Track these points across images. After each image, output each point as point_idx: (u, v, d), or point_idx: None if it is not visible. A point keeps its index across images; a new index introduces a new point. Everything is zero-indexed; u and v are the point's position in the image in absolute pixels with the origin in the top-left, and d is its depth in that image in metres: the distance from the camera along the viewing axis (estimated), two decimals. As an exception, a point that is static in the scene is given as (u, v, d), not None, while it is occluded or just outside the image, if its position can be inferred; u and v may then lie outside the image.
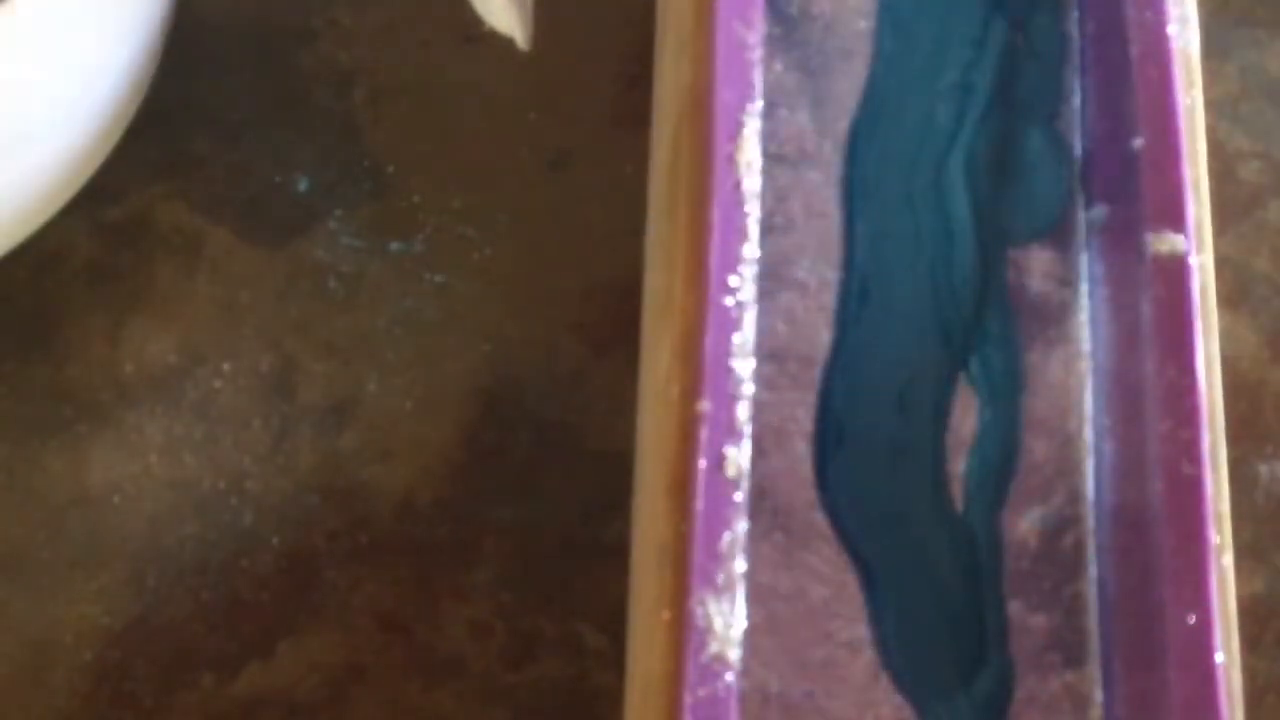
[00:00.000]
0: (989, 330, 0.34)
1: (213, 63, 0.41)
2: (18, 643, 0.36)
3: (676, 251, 0.31)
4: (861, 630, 0.32)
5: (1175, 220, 0.32)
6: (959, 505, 0.33)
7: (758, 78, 0.31)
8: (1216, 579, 0.30)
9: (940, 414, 0.34)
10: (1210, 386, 0.31)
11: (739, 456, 0.29)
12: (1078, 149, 0.35)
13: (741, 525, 0.29)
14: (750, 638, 0.31)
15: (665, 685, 0.28)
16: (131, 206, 0.40)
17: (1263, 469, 0.39)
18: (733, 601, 0.28)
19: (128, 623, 0.36)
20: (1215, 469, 0.30)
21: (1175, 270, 0.31)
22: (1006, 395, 0.34)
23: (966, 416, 0.34)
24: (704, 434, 0.29)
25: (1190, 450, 0.30)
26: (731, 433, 0.29)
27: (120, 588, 0.37)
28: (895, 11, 0.36)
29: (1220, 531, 0.30)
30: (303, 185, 0.40)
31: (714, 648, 0.28)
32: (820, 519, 0.33)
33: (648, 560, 0.31)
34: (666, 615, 0.29)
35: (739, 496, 0.29)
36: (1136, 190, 0.32)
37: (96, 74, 0.34)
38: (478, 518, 0.38)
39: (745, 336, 0.30)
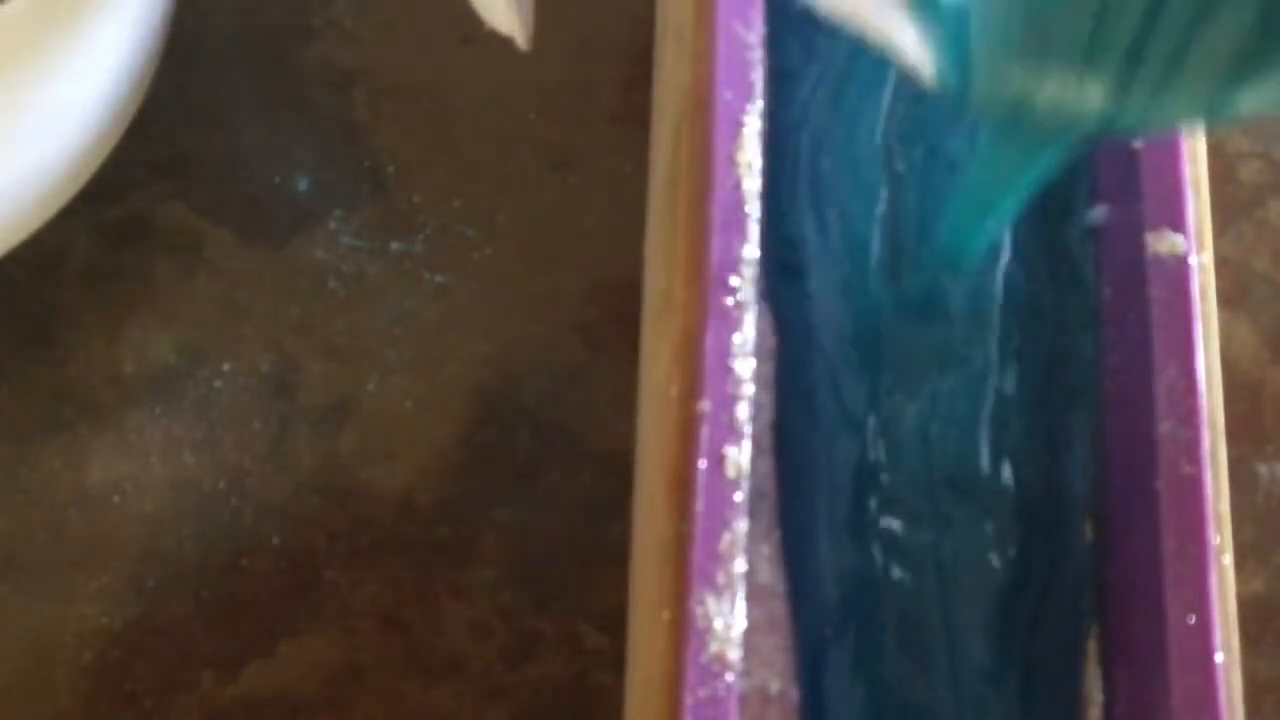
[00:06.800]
0: None
1: (213, 63, 0.41)
2: (18, 643, 0.36)
3: (676, 251, 0.31)
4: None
5: (1175, 220, 0.32)
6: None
7: (758, 78, 0.31)
8: (1216, 579, 0.30)
9: None
10: (1210, 386, 0.31)
11: (739, 456, 0.29)
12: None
13: (741, 525, 0.29)
14: (750, 638, 0.31)
15: (665, 685, 0.28)
16: (131, 206, 0.40)
17: (1263, 469, 0.39)
18: (733, 601, 0.28)
19: (128, 623, 0.36)
20: (1215, 469, 0.30)
21: (1175, 270, 0.31)
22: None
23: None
24: (704, 434, 0.29)
25: (1190, 450, 0.30)
26: (731, 433, 0.29)
27: (120, 588, 0.37)
28: None
29: (1220, 531, 0.30)
30: (303, 185, 0.40)
31: (714, 648, 0.28)
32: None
33: (648, 560, 0.31)
34: (666, 615, 0.29)
35: (739, 496, 0.29)
36: (1136, 190, 0.32)
37: (96, 74, 0.34)
38: (478, 518, 0.38)
39: (745, 336, 0.30)
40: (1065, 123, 0.26)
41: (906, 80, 0.36)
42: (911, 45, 0.27)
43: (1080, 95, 0.25)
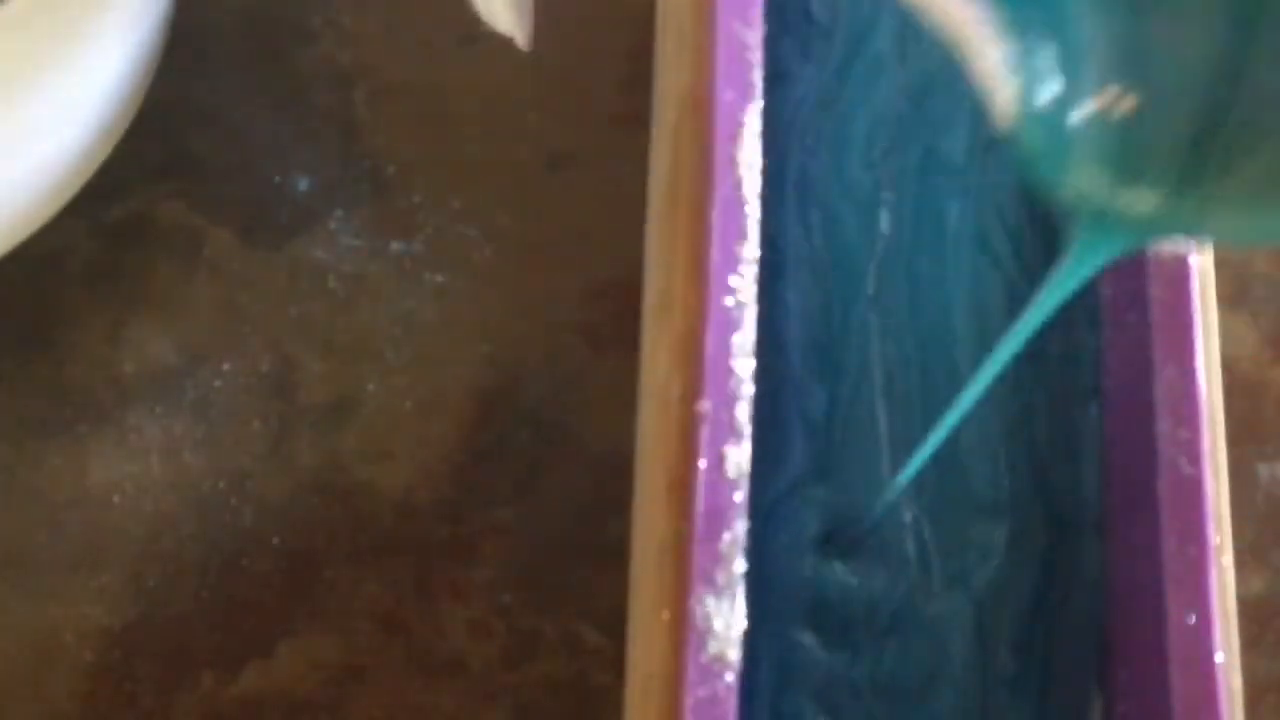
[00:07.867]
0: None
1: (213, 63, 0.41)
2: (18, 643, 0.36)
3: (676, 251, 0.31)
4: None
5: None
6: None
7: (757, 78, 0.31)
8: (1216, 579, 0.29)
9: None
10: (1210, 386, 0.31)
11: (739, 456, 0.29)
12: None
13: (741, 525, 0.29)
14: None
15: (665, 685, 0.28)
16: (131, 206, 0.40)
17: (1263, 469, 0.39)
18: (733, 601, 0.28)
19: (128, 623, 0.36)
20: (1215, 469, 0.30)
21: (1175, 270, 0.31)
22: None
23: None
24: (704, 434, 0.29)
25: (1190, 450, 0.30)
26: (731, 433, 0.29)
27: (120, 588, 0.37)
28: None
29: (1220, 531, 0.30)
30: (303, 185, 0.40)
31: (714, 648, 0.28)
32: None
33: (648, 560, 0.31)
34: (666, 615, 0.29)
35: (739, 496, 0.29)
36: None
37: (96, 74, 0.34)
38: (478, 518, 0.38)
39: (745, 336, 0.30)
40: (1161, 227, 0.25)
41: (903, 83, 0.36)
42: (994, 69, 0.24)
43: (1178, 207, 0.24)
